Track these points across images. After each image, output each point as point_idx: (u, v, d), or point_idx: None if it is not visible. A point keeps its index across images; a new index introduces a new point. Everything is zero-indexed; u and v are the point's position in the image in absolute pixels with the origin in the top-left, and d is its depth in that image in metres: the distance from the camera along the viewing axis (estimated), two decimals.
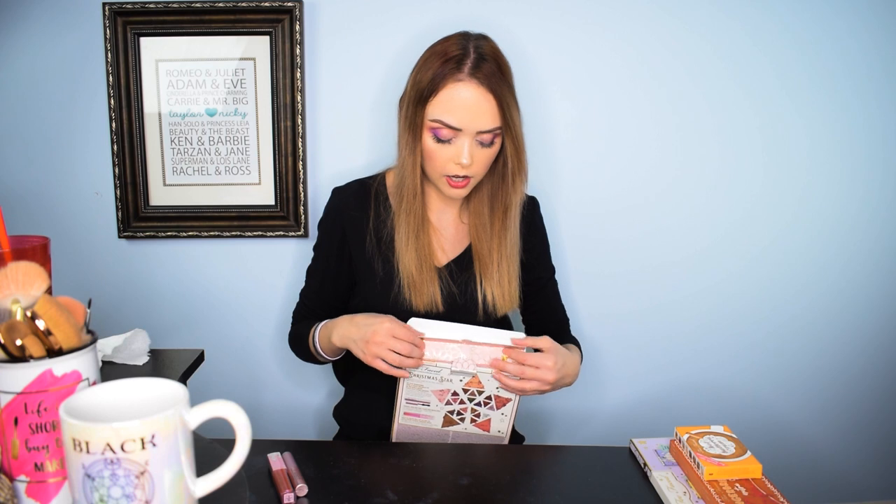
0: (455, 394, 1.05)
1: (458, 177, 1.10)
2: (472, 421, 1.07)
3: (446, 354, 1.03)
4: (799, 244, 1.55)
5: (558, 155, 1.49)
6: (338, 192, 1.23)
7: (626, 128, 1.49)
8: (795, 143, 1.50)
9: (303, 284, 1.28)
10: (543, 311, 1.30)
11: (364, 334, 1.04)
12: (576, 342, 1.28)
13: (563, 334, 1.29)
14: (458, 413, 1.07)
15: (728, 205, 1.53)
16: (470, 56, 1.05)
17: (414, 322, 1.07)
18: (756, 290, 1.57)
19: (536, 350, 1.07)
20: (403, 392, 1.06)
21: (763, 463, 0.91)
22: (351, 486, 0.89)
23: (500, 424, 1.08)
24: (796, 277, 1.56)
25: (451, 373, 1.03)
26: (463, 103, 1.04)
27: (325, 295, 1.24)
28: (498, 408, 1.06)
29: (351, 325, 1.08)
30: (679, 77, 1.46)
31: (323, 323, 1.15)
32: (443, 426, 1.08)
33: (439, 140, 1.07)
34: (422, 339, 1.03)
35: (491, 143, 1.09)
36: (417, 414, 1.07)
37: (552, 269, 1.31)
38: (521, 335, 1.07)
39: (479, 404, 1.06)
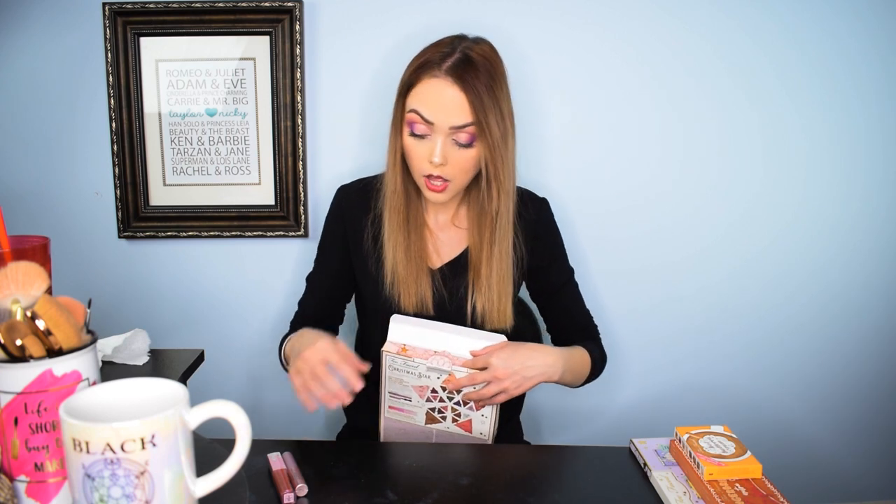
0: (434, 391, 1.05)
1: (434, 178, 1.08)
2: (454, 420, 1.07)
3: (423, 354, 1.04)
4: (799, 243, 1.55)
5: (557, 154, 1.49)
6: (341, 190, 1.23)
7: (626, 128, 1.49)
8: (795, 143, 1.50)
9: (303, 285, 1.27)
10: (562, 319, 1.25)
11: (302, 347, 0.98)
12: (600, 348, 1.23)
13: (587, 343, 1.23)
14: (440, 411, 1.07)
15: (728, 204, 1.53)
16: (454, 55, 1.05)
17: (395, 319, 1.07)
18: (756, 289, 1.57)
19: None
20: (386, 385, 1.07)
21: (763, 463, 0.90)
22: (351, 486, 0.89)
23: (482, 426, 1.08)
24: (797, 277, 1.56)
25: (427, 369, 1.03)
26: (435, 97, 1.04)
27: (325, 299, 1.23)
28: (477, 409, 1.06)
29: (302, 336, 1.05)
30: (679, 77, 1.46)
31: (291, 336, 1.13)
32: (426, 423, 1.08)
33: (414, 134, 1.07)
34: (403, 349, 1.04)
35: (469, 145, 1.06)
36: (401, 409, 1.08)
37: (569, 273, 1.26)
38: (499, 338, 1.07)
39: (458, 403, 1.06)
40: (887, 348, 1.61)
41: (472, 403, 1.06)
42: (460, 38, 1.09)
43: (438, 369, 1.03)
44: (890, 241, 1.56)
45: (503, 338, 1.07)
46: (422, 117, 1.05)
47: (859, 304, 1.58)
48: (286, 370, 1.14)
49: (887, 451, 1.66)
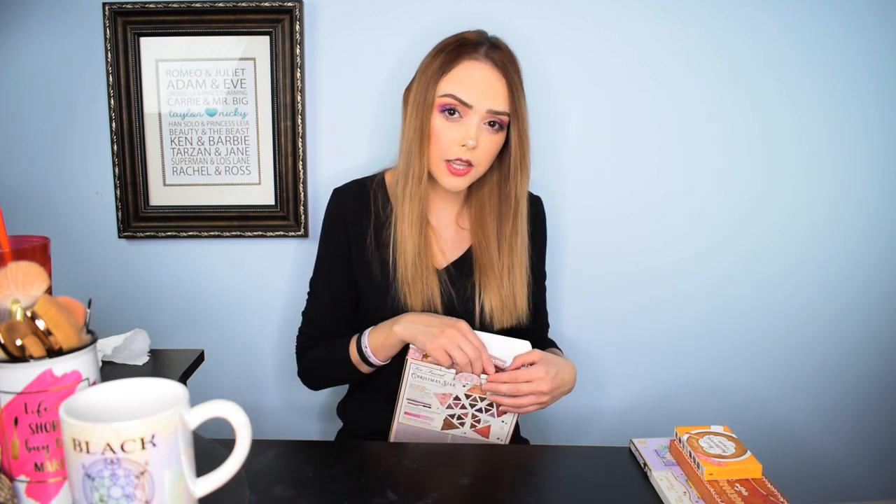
0: (457, 398, 1.04)
1: (460, 162, 1.07)
2: (473, 426, 1.07)
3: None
4: (799, 244, 1.55)
5: (556, 156, 1.49)
6: (337, 193, 1.21)
7: (626, 129, 1.49)
8: (795, 143, 1.50)
9: (302, 284, 1.26)
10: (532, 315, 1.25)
11: (444, 322, 1.03)
12: (555, 345, 1.26)
13: (541, 339, 1.28)
14: (459, 417, 1.06)
15: (727, 205, 1.53)
16: (486, 43, 1.09)
17: None
18: (756, 289, 1.57)
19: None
20: (406, 391, 1.05)
21: (763, 463, 0.90)
22: (351, 486, 0.89)
23: (500, 431, 1.08)
24: (796, 277, 1.56)
25: (454, 377, 1.03)
26: (477, 80, 1.06)
27: (337, 308, 1.20)
28: (499, 415, 1.06)
29: (422, 315, 1.07)
30: (679, 77, 1.46)
31: (370, 328, 1.12)
32: (442, 429, 1.07)
33: (449, 112, 1.06)
34: (426, 356, 1.03)
35: (497, 131, 1.08)
36: (418, 415, 1.07)
37: (544, 275, 1.29)
38: (525, 344, 1.06)
39: (480, 410, 1.06)
40: (887, 348, 1.61)
41: (493, 410, 1.05)
42: (479, 31, 1.12)
43: (466, 378, 1.03)
44: (890, 241, 1.56)
45: (528, 343, 1.06)
46: (459, 100, 1.06)
47: (859, 304, 1.58)
48: (340, 367, 1.15)
49: (887, 451, 1.66)
